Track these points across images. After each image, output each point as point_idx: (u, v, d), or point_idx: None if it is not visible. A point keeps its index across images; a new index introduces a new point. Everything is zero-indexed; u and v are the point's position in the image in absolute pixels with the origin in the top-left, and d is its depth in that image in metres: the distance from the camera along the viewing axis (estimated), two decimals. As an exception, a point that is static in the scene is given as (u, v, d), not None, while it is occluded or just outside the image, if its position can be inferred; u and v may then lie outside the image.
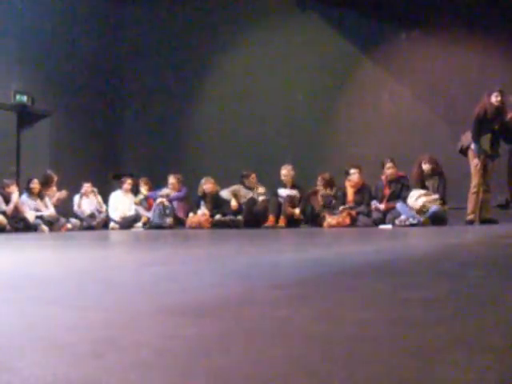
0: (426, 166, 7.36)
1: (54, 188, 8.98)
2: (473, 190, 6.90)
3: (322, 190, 8.24)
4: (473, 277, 2.00)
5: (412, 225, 6.98)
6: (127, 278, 2.26)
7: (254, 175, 8.72)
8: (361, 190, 8.05)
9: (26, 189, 8.54)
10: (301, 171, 8.67)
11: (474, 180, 6.89)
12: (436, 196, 7.21)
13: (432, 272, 2.22)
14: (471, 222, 6.85)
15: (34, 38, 10.38)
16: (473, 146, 6.92)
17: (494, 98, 6.86)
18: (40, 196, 8.59)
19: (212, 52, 10.93)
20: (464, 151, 7.08)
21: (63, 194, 8.94)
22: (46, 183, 8.82)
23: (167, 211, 8.83)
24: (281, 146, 9.80)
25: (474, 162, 6.89)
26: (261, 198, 8.42)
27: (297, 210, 8.21)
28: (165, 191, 9.15)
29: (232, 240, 5.53)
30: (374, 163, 8.10)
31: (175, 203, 9.10)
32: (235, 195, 8.64)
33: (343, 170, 8.27)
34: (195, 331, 1.14)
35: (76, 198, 9.19)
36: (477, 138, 6.88)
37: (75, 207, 9.12)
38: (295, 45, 10.08)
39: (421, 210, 7.08)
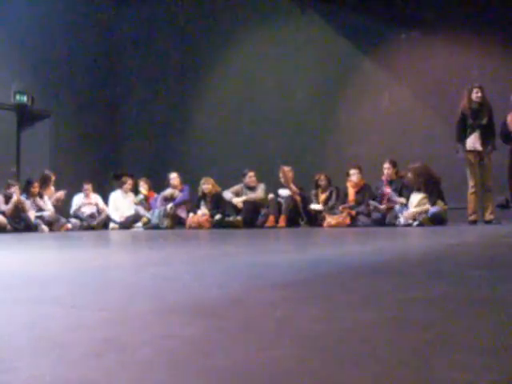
0: (411, 180, 7.32)
1: (52, 188, 8.96)
2: (471, 190, 6.93)
3: (318, 193, 8.33)
4: (472, 277, 2.00)
5: (411, 225, 6.99)
6: (127, 278, 2.26)
7: (251, 174, 8.70)
8: (362, 190, 8.05)
9: (25, 190, 8.50)
10: (301, 171, 8.67)
11: (471, 181, 6.93)
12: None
13: (431, 272, 2.22)
14: (474, 222, 6.88)
15: (33, 39, 10.38)
16: (457, 145, 7.02)
17: (475, 95, 6.92)
18: (39, 195, 8.59)
19: (212, 52, 10.92)
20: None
21: (61, 194, 8.93)
22: (43, 183, 8.81)
23: (167, 211, 8.83)
24: (281, 146, 9.80)
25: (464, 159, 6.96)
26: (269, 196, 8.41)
27: (301, 222, 8.27)
28: (169, 191, 9.14)
29: (232, 240, 5.53)
30: (374, 163, 8.10)
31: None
32: (237, 195, 8.65)
33: (343, 170, 8.27)
34: (195, 331, 1.14)
35: (76, 198, 9.19)
36: (458, 139, 6.98)
37: (75, 207, 9.12)
38: (295, 45, 10.08)
39: (421, 212, 7.08)
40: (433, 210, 7.01)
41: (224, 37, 10.80)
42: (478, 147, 6.92)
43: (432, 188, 7.20)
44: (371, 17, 9.35)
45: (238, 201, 8.51)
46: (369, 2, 9.39)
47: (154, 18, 11.64)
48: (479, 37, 8.43)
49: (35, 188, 8.52)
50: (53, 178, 9.01)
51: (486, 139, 6.91)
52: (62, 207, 8.99)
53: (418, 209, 7.06)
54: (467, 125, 6.95)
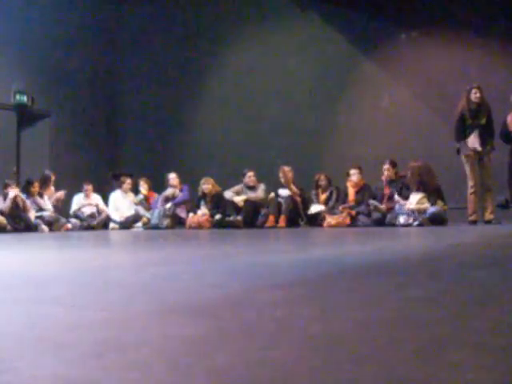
0: (409, 178, 7.33)
1: (52, 188, 8.96)
2: (470, 190, 6.94)
3: (318, 193, 8.36)
4: (473, 277, 2.00)
5: (411, 225, 6.99)
6: (127, 277, 2.26)
7: (250, 174, 8.71)
8: (362, 189, 8.06)
9: (25, 190, 8.49)
10: (301, 171, 8.66)
11: (471, 181, 6.93)
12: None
13: (432, 272, 2.22)
14: (474, 223, 6.88)
15: (33, 39, 10.38)
16: (457, 145, 7.02)
17: (473, 95, 6.93)
18: (39, 195, 8.58)
19: (212, 52, 10.92)
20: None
21: (61, 194, 8.93)
22: (43, 183, 8.81)
23: (167, 212, 8.83)
24: (281, 146, 9.80)
25: (464, 161, 6.97)
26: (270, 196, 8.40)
27: (301, 222, 8.29)
28: (170, 191, 9.14)
29: (232, 240, 5.53)
30: (374, 163, 8.10)
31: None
32: (238, 195, 8.65)
33: (343, 170, 8.27)
34: (195, 331, 1.14)
35: (76, 198, 9.19)
36: (458, 139, 6.99)
37: (75, 207, 9.11)
38: (295, 44, 10.08)
39: (419, 211, 7.08)
40: (433, 209, 7.01)
41: (224, 36, 10.80)
42: (478, 147, 6.93)
43: (431, 188, 7.20)
44: (371, 17, 9.35)
45: (239, 199, 8.51)
46: (369, 2, 9.39)
47: (154, 18, 11.63)
48: (479, 37, 8.43)
49: (35, 188, 8.52)
50: (53, 177, 9.01)
51: (485, 139, 6.92)
52: (62, 207, 8.99)
53: (416, 206, 7.06)
54: (466, 125, 6.97)
